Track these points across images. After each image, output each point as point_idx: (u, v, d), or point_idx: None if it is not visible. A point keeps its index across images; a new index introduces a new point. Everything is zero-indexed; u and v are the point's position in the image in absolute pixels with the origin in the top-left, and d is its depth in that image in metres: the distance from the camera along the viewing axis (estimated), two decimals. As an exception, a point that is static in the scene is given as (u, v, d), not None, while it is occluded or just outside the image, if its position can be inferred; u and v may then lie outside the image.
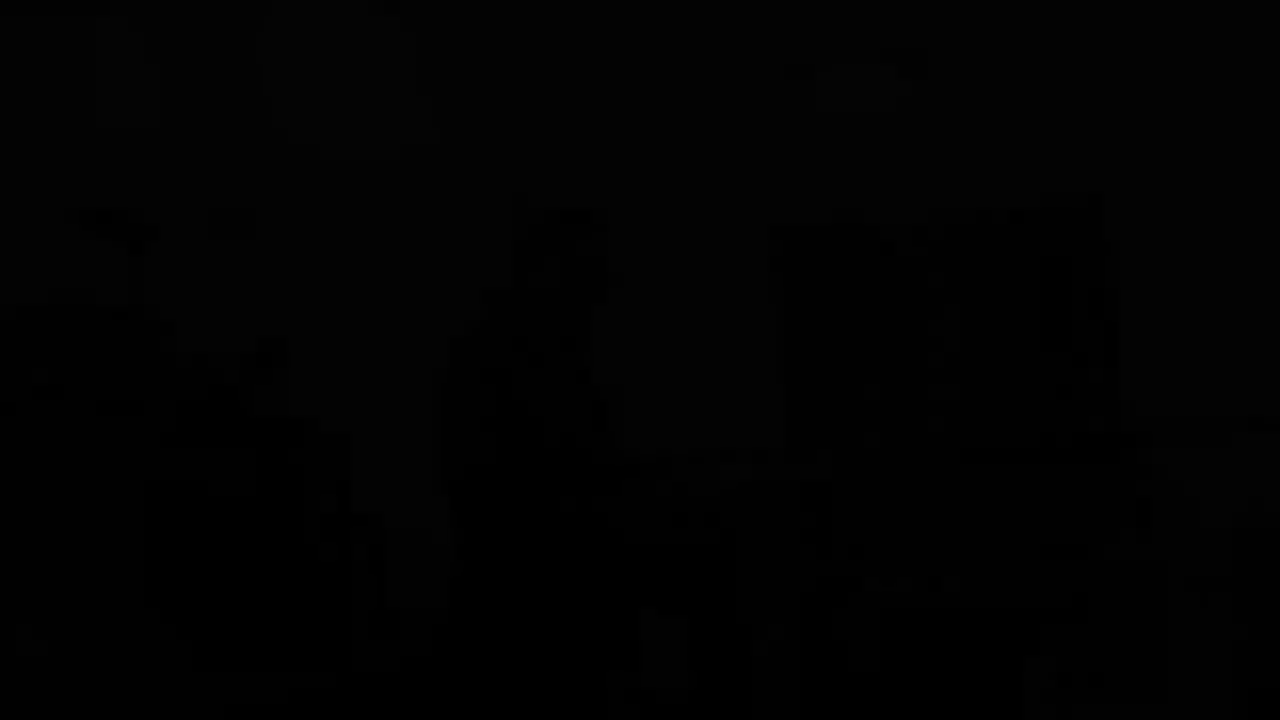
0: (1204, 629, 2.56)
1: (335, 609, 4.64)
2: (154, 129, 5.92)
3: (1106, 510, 5.19)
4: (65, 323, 3.16)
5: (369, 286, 5.65)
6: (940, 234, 6.26)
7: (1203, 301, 5.80)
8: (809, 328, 6.22)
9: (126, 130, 5.72)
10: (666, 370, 6.17)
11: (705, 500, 2.35)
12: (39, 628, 3.02)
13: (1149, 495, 5.33)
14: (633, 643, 2.43)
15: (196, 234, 5.85)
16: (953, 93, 5.60)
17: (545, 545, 2.27)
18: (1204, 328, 5.78)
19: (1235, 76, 5.60)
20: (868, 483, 5.44)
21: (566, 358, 2.46)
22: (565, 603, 2.29)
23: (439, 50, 5.39)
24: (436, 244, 5.60)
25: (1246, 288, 5.78)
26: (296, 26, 6.07)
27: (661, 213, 6.20)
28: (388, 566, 5.09)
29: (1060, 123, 5.92)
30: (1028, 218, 5.99)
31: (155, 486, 3.43)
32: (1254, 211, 5.79)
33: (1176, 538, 4.89)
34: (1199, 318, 5.78)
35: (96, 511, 3.17)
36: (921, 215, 6.20)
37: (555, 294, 2.43)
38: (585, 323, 2.49)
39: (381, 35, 5.58)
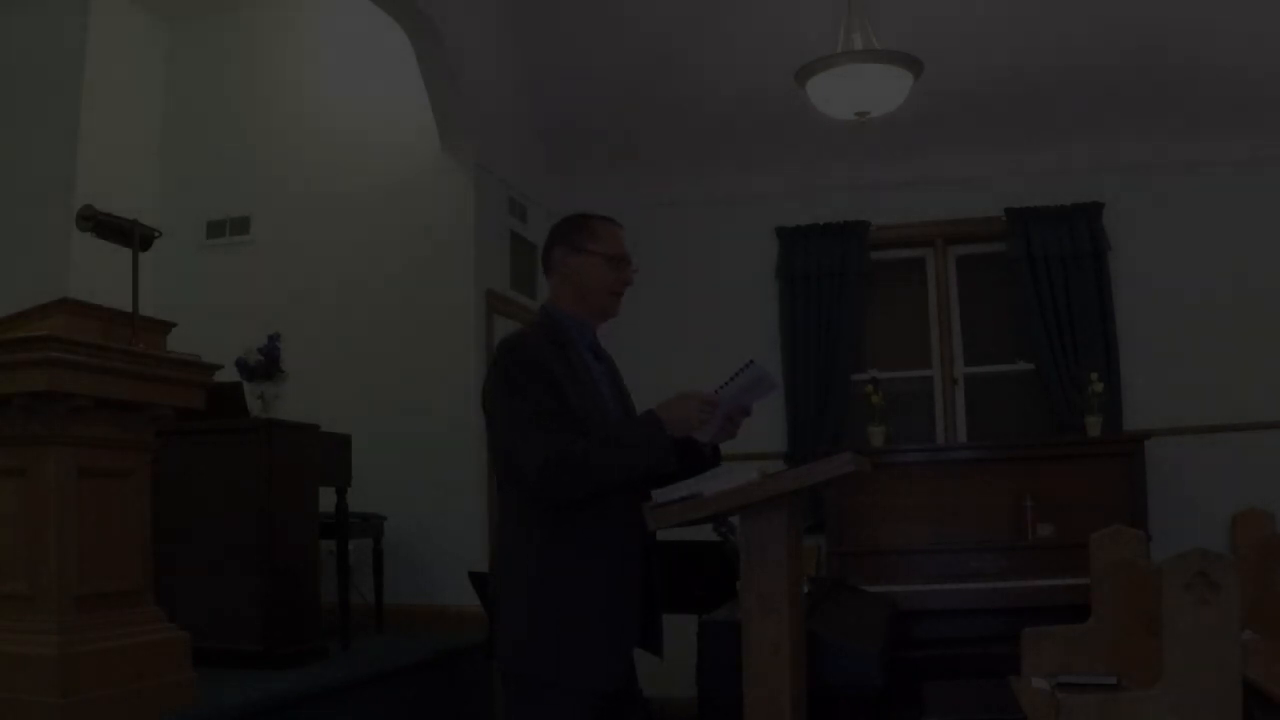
0: (1203, 628, 2.57)
1: (335, 608, 4.64)
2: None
3: (1105, 507, 5.20)
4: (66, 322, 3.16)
5: (370, 289, 5.65)
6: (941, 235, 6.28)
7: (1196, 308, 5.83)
8: (809, 328, 6.21)
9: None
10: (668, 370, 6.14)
11: (710, 502, 2.37)
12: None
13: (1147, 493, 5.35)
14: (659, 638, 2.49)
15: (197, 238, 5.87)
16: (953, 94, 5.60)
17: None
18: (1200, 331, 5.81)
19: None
20: (867, 483, 5.45)
21: (597, 358, 2.59)
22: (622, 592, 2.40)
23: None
24: (436, 246, 5.61)
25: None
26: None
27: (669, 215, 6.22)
28: (387, 566, 5.10)
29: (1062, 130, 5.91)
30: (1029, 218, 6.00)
31: (156, 485, 3.45)
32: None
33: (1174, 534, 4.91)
34: (1195, 321, 5.82)
35: (98, 509, 3.18)
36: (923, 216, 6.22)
37: (594, 291, 2.51)
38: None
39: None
